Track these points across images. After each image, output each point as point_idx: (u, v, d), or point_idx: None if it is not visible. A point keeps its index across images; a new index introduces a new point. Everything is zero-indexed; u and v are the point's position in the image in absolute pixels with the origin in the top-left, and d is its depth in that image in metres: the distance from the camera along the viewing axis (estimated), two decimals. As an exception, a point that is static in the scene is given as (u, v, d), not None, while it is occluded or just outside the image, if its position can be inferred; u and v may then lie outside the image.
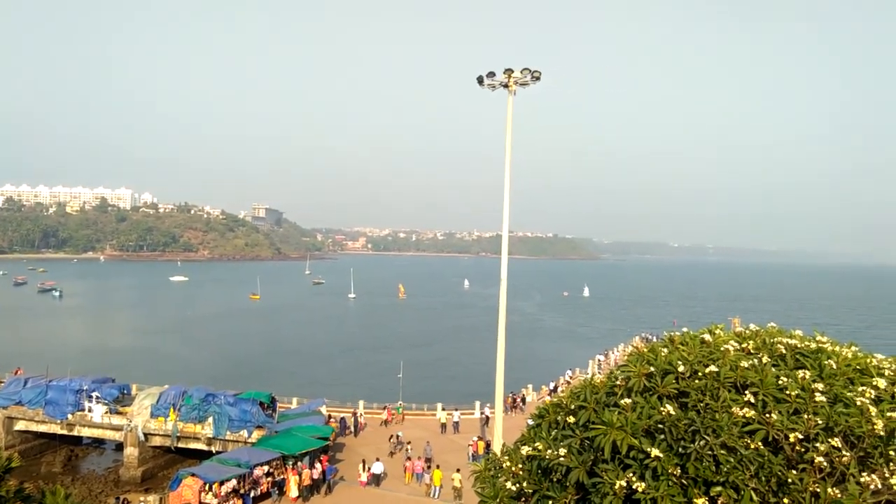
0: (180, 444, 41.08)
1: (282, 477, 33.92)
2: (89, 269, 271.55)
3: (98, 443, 47.73)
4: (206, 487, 30.71)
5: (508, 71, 31.67)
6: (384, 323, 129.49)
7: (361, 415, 47.39)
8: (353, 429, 44.72)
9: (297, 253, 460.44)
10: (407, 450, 38.25)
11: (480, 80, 32.35)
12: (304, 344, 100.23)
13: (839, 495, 5.24)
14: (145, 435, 41.26)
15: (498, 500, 6.75)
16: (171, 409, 41.14)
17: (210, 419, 40.51)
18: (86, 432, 44.42)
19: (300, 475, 33.14)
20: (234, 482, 31.52)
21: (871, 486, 5.24)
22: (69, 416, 43.12)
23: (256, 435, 39.31)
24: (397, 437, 41.33)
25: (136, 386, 48.28)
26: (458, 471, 32.87)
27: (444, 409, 48.28)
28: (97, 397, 43.26)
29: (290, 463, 34.47)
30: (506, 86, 31.97)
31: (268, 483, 33.31)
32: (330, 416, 44.98)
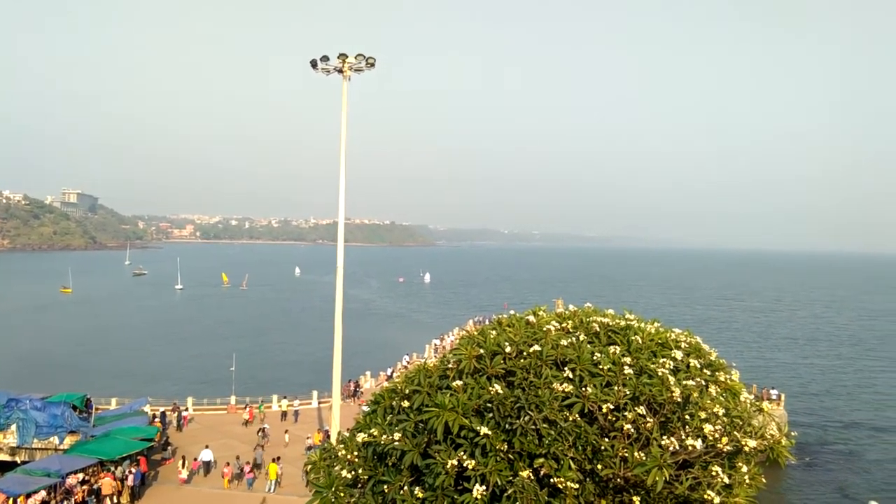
0: (-23, 457, 36.92)
1: (98, 485, 31.42)
2: None
3: None
4: (11, 502, 27.88)
5: (343, 56, 31.33)
6: (214, 314, 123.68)
7: (187, 409, 45.16)
8: (175, 424, 42.45)
9: (116, 242, 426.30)
10: (238, 457, 36.46)
11: (314, 64, 31.73)
12: (125, 340, 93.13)
13: (644, 458, 5.82)
14: (-68, 449, 36.60)
15: (333, 490, 6.73)
16: (-35, 419, 36.85)
17: (13, 426, 37.45)
18: None
19: (123, 481, 30.94)
20: (43, 494, 29.19)
21: (671, 448, 5.87)
22: None
23: (69, 441, 36.83)
24: (263, 430, 40.77)
25: (-80, 395, 42.36)
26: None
27: (284, 398, 47.48)
28: None
29: (112, 469, 32.12)
30: (340, 71, 31.61)
31: (83, 492, 30.76)
32: (154, 416, 42.37)
